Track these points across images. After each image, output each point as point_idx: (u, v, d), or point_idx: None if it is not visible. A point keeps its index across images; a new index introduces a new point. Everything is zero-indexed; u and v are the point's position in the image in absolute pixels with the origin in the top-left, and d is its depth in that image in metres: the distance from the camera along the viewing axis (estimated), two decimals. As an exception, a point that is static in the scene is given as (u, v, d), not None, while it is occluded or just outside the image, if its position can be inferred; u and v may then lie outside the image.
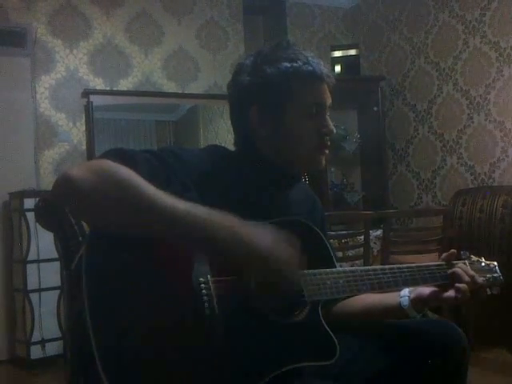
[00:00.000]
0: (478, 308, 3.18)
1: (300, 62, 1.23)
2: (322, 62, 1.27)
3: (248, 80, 1.25)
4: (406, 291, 1.29)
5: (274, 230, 1.07)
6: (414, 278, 1.28)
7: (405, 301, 1.27)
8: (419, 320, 1.30)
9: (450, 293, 1.25)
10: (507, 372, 3.06)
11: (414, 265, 1.30)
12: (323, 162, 1.29)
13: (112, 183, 0.98)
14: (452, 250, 1.33)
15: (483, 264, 1.39)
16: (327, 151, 1.28)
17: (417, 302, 1.27)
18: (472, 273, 1.29)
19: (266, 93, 1.23)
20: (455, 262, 1.33)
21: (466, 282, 1.25)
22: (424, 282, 1.29)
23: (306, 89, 1.24)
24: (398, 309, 1.29)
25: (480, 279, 1.28)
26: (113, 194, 0.98)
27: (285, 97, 1.23)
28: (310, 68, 1.23)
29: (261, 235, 1.04)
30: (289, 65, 1.23)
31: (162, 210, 0.98)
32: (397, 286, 1.27)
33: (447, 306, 1.19)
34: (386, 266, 1.28)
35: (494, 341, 3.38)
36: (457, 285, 1.25)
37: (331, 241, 1.48)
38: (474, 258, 1.40)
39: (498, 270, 1.39)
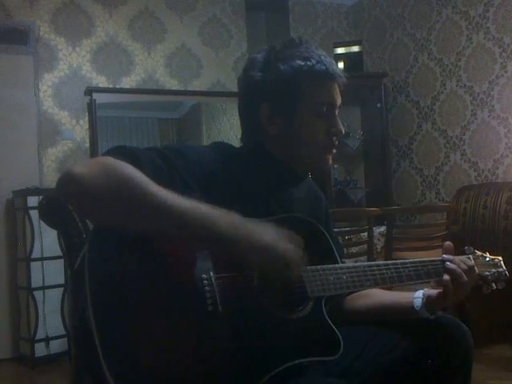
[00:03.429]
0: (481, 304, 3.18)
1: (313, 61, 1.23)
2: (333, 62, 1.27)
3: (260, 76, 1.24)
4: (420, 293, 1.28)
5: (274, 226, 1.08)
6: (417, 272, 1.28)
7: (418, 302, 1.27)
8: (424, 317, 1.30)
9: (445, 277, 1.24)
10: (511, 368, 3.05)
11: (417, 260, 1.30)
12: (329, 161, 1.29)
13: (115, 180, 0.98)
14: (447, 242, 1.33)
15: (488, 259, 1.39)
16: (334, 151, 1.28)
17: (429, 304, 1.26)
18: (471, 263, 1.29)
19: (279, 90, 1.23)
20: (459, 256, 1.32)
21: (463, 269, 1.25)
22: (428, 276, 1.29)
23: (319, 88, 1.24)
24: (410, 310, 1.28)
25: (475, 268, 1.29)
26: (115, 191, 0.98)
27: (297, 95, 1.23)
28: (323, 67, 1.23)
29: (262, 230, 1.05)
30: (302, 63, 1.22)
31: (164, 207, 0.98)
32: (400, 281, 1.26)
33: (454, 302, 1.19)
34: (390, 262, 1.28)
35: (498, 337, 3.38)
36: (448, 265, 1.25)
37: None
38: (478, 252, 1.40)
39: (503, 265, 1.39)
